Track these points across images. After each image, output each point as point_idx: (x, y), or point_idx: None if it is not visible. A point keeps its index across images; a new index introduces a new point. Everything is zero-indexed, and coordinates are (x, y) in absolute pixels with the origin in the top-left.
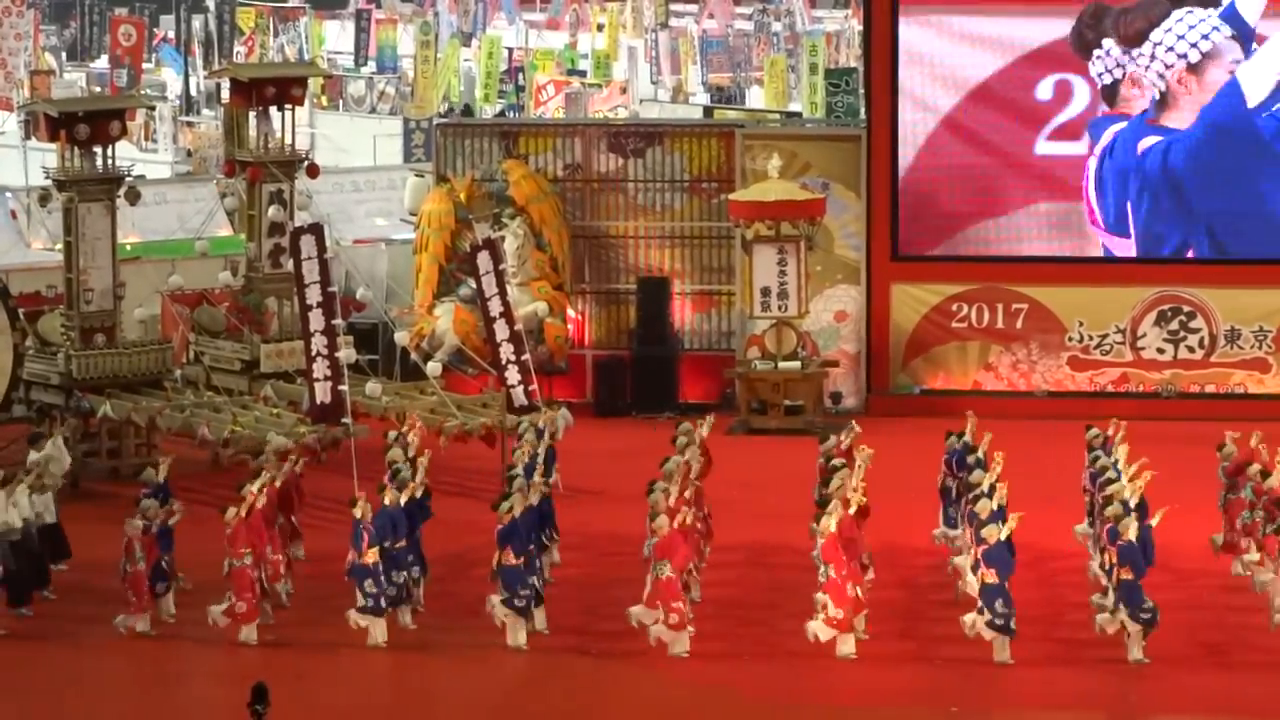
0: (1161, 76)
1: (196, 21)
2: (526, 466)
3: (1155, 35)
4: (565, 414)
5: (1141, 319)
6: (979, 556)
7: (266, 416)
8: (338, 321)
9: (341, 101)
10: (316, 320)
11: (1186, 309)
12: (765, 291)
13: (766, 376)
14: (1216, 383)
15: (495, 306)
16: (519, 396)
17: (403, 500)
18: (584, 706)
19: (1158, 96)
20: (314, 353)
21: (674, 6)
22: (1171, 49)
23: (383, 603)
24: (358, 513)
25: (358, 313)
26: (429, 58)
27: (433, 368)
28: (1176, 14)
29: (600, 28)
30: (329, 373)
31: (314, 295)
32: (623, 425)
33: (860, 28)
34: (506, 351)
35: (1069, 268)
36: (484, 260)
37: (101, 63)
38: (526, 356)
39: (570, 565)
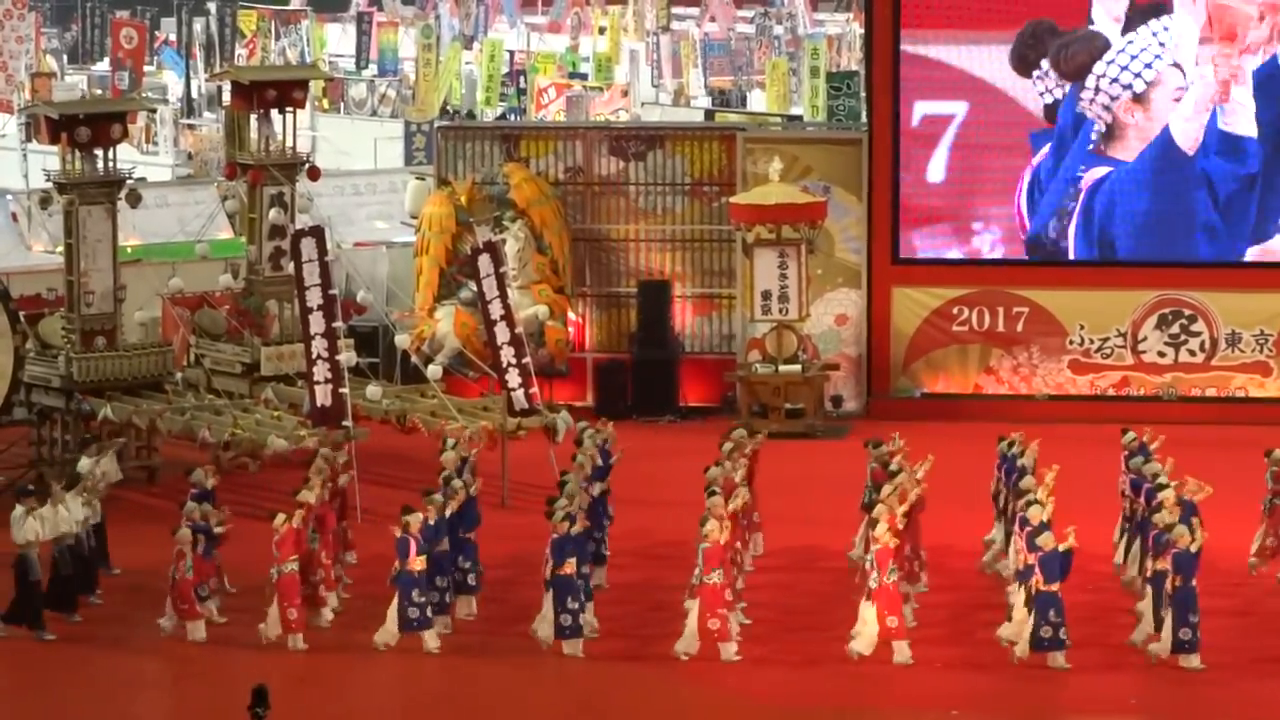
0: (1107, 109)
1: (198, 24)
2: (589, 475)
3: (1098, 68)
4: (565, 416)
5: (1142, 322)
6: (1036, 563)
7: (267, 419)
8: (338, 324)
9: (343, 104)
10: (317, 323)
11: (1187, 313)
12: (766, 295)
13: (767, 380)
14: (1217, 386)
15: (496, 309)
16: (520, 400)
17: (449, 510)
18: (593, 711)
19: (1104, 129)
20: (314, 356)
21: (675, 10)
22: (1115, 80)
23: (429, 613)
24: (414, 522)
25: (358, 315)
26: (430, 61)
27: (433, 371)
28: (1118, 44)
29: (602, 31)
30: (329, 376)
31: (315, 298)
32: (623, 429)
33: (862, 31)
34: (507, 355)
35: (1070, 271)
36: (485, 263)
37: (103, 65)
38: (527, 359)
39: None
